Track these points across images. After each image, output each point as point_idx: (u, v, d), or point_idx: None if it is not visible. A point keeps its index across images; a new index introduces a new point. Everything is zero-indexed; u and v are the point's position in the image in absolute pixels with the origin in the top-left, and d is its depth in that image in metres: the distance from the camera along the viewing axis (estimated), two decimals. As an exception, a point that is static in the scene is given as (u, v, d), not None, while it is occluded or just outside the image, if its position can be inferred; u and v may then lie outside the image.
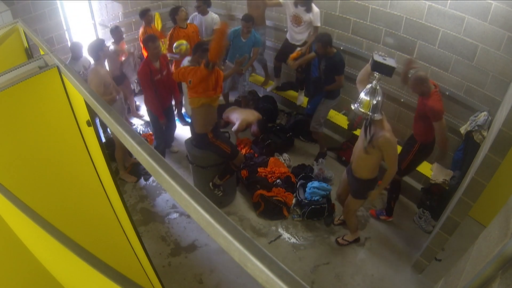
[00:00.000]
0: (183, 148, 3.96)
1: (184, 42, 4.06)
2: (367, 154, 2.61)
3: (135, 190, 3.94)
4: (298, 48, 4.11)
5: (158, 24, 5.23)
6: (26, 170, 1.30)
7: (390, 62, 2.56)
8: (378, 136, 2.49)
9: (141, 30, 4.55)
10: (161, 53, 3.57)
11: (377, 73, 2.55)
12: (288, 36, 4.35)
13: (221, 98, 5.28)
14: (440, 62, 3.43)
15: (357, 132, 3.93)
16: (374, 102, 2.45)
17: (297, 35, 4.21)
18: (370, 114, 2.46)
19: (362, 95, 2.52)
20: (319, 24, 4.03)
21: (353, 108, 2.56)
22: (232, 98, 5.10)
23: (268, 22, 4.79)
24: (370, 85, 2.51)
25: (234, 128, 3.95)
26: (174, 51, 4.06)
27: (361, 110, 2.49)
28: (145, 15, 4.47)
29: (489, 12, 2.91)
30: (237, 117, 4.01)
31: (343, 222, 3.49)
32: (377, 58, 2.56)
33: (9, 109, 1.19)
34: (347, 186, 3.03)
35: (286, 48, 4.38)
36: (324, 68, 3.70)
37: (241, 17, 4.19)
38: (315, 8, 3.96)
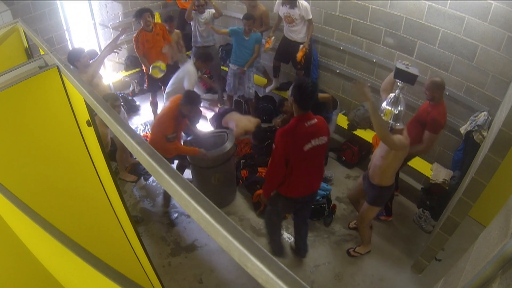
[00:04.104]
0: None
1: (159, 62, 4.15)
2: (387, 160, 2.56)
3: (135, 190, 3.94)
4: (301, 46, 4.13)
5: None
6: (26, 170, 1.30)
7: (413, 70, 2.56)
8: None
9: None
10: None
11: (400, 82, 2.55)
12: (285, 34, 4.34)
13: (225, 97, 5.31)
14: (440, 62, 3.43)
15: (357, 132, 3.92)
16: (396, 111, 2.45)
17: (296, 34, 4.20)
18: (392, 123, 2.45)
19: (384, 104, 2.52)
20: (310, 17, 4.03)
21: None
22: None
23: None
24: (393, 94, 2.52)
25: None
26: (151, 72, 4.14)
27: (383, 118, 2.47)
28: (142, 15, 4.10)
29: (489, 12, 2.91)
30: (236, 124, 4.03)
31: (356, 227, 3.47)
32: (400, 66, 2.57)
33: (9, 109, 1.19)
34: (360, 191, 3.02)
35: (286, 47, 4.38)
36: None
37: (242, 17, 4.25)
38: (302, 3, 3.96)
